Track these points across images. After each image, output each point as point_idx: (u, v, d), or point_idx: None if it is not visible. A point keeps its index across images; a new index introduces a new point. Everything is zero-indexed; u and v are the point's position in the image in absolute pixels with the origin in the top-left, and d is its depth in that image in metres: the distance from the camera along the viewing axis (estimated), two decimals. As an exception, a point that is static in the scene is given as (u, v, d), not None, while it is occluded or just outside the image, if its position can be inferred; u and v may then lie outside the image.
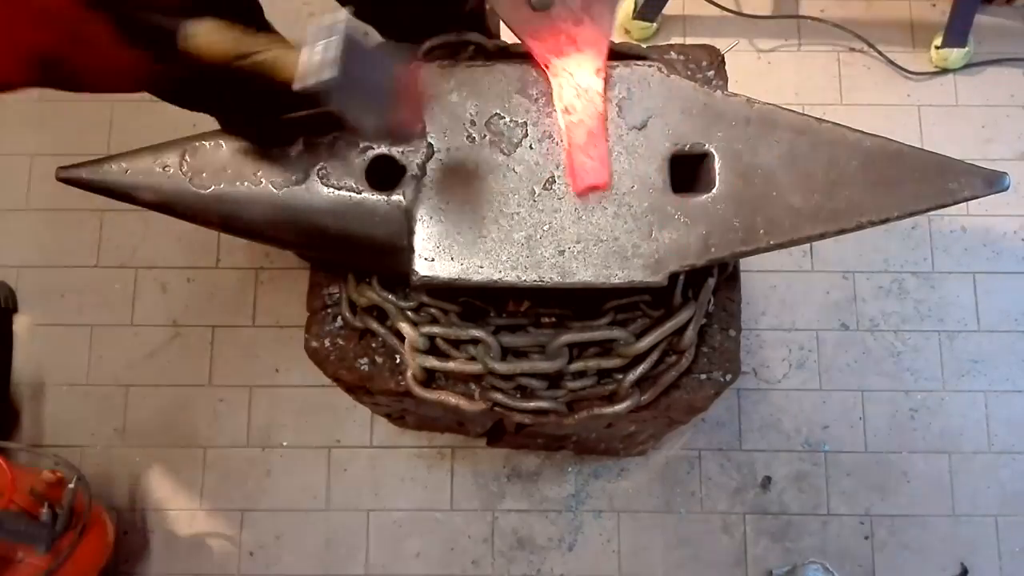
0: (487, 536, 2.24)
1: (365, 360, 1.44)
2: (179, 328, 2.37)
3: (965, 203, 2.37)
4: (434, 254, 1.13)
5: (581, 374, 1.35)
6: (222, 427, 2.31)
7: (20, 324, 2.38)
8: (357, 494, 2.27)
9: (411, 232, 1.14)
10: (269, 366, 2.34)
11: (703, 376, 1.43)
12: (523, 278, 1.14)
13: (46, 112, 2.50)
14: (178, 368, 2.35)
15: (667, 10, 2.47)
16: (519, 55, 1.31)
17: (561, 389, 1.37)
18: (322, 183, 1.17)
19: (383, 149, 1.17)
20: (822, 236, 1.16)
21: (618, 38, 2.51)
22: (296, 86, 0.89)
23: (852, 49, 2.52)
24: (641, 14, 2.45)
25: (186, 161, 1.18)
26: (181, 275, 2.40)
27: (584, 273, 1.14)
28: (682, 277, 1.31)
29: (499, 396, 1.36)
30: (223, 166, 1.18)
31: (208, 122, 2.44)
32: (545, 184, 1.15)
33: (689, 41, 1.57)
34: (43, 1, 0.88)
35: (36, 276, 2.41)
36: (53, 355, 2.36)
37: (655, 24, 2.49)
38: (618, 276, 1.14)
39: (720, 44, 1.49)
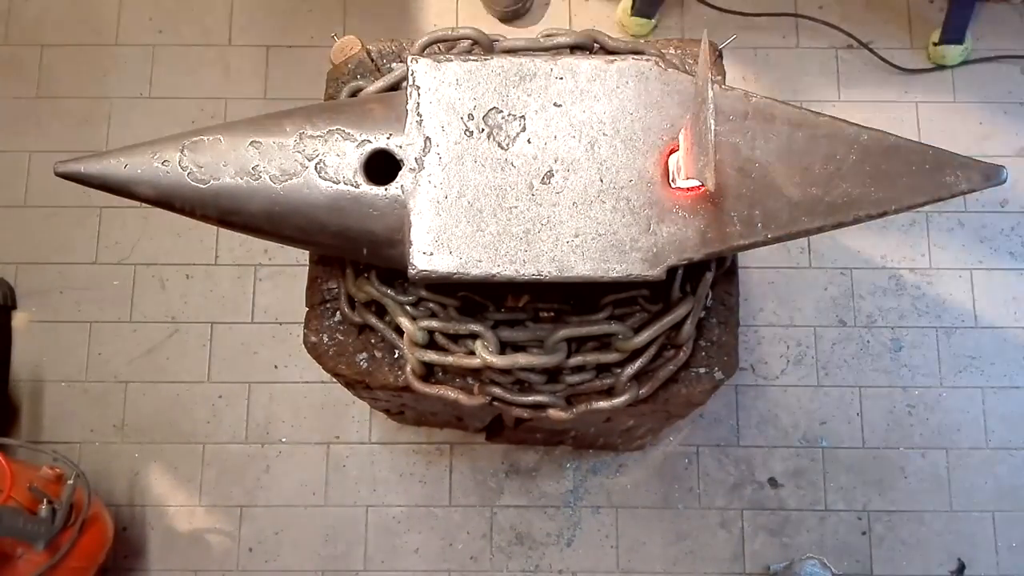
0: (486, 532, 2.25)
1: (364, 355, 1.44)
2: (178, 324, 2.37)
3: (963, 199, 2.40)
4: (432, 248, 1.14)
5: (579, 368, 1.36)
6: (221, 423, 2.32)
7: (19, 321, 2.38)
8: (356, 490, 2.28)
9: (409, 226, 1.14)
10: (268, 362, 2.35)
11: (701, 370, 1.43)
12: (521, 272, 1.14)
13: (44, 109, 2.50)
14: (177, 364, 2.35)
15: (665, 7, 2.47)
16: (516, 49, 1.32)
17: (559, 383, 1.37)
18: (320, 177, 1.17)
19: (380, 143, 1.17)
20: (820, 230, 1.16)
21: (615, 34, 2.51)
22: None
23: (850, 46, 2.53)
24: (639, 10, 2.45)
25: (185, 156, 1.18)
26: (180, 271, 2.40)
27: (582, 267, 1.14)
28: (680, 271, 1.31)
29: (498, 390, 1.36)
30: (222, 161, 1.18)
31: (205, 118, 2.46)
32: (543, 178, 1.16)
33: (687, 37, 1.57)
34: None
35: (35, 273, 2.41)
36: (52, 352, 2.36)
37: (653, 20, 2.50)
38: (616, 270, 1.14)
39: (718, 40, 1.50)
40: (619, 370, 1.35)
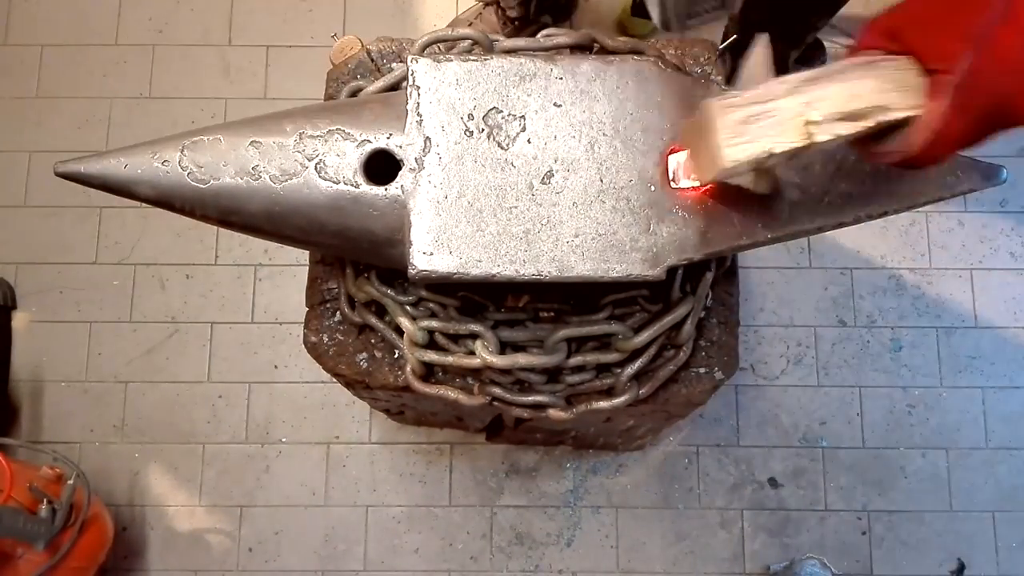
0: (485, 532, 2.25)
1: (364, 355, 1.44)
2: (177, 324, 2.37)
3: (963, 199, 2.39)
4: (432, 248, 1.13)
5: (579, 368, 1.36)
6: (221, 423, 2.31)
7: (19, 321, 2.38)
8: (356, 490, 2.28)
9: (409, 226, 1.14)
10: (267, 362, 2.35)
11: (701, 370, 1.43)
12: (521, 272, 1.14)
13: (44, 109, 2.50)
14: (177, 364, 2.35)
15: (665, 7, 2.46)
16: (516, 49, 1.32)
17: (559, 383, 1.37)
18: (320, 177, 1.17)
19: (381, 143, 1.17)
20: (820, 230, 1.17)
21: (616, 34, 2.51)
22: None
23: (850, 46, 2.52)
24: (638, 11, 2.45)
25: (185, 156, 1.18)
26: (180, 271, 2.40)
27: (582, 267, 1.14)
28: (680, 271, 1.32)
29: (498, 390, 1.36)
30: (222, 161, 1.18)
31: (205, 118, 2.46)
32: (543, 178, 1.15)
33: (687, 37, 1.57)
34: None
35: (35, 273, 2.41)
36: (52, 352, 2.36)
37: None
38: (616, 270, 1.14)
39: (718, 41, 1.50)
40: (619, 370, 1.35)
